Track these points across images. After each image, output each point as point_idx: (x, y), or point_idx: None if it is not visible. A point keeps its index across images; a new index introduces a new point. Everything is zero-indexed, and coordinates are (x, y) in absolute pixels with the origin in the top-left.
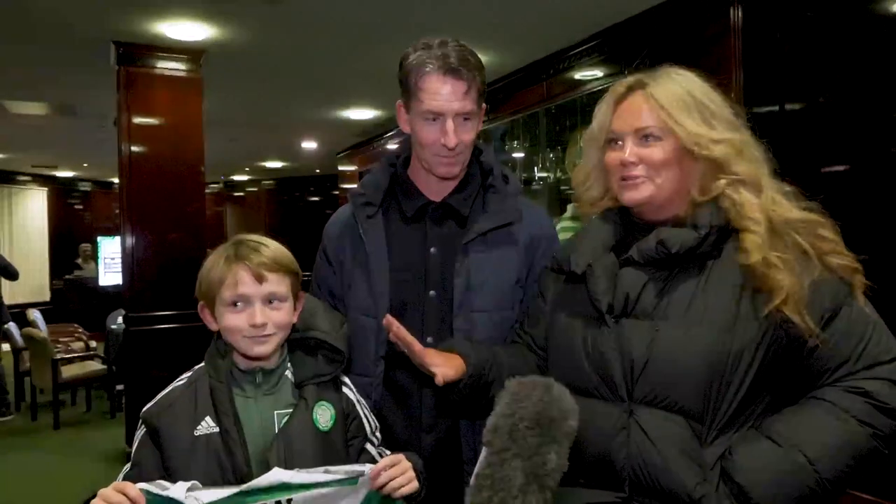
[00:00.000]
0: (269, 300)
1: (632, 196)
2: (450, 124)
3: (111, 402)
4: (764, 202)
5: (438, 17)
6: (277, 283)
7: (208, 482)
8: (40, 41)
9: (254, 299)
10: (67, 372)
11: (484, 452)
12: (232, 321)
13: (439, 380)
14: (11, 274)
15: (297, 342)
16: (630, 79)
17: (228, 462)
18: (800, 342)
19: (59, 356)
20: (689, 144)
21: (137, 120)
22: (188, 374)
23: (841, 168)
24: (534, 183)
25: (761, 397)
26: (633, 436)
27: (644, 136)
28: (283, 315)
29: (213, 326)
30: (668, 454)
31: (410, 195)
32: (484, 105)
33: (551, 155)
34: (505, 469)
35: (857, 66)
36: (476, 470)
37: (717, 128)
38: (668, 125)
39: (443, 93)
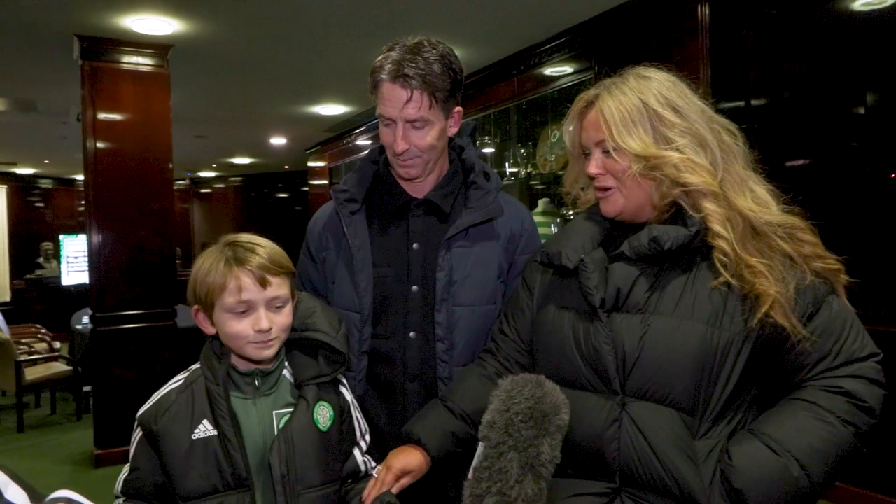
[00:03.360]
0: (273, 304)
1: (606, 209)
2: (399, 130)
3: (77, 404)
4: (739, 207)
5: (408, 12)
6: (279, 286)
7: (206, 485)
8: (0, 35)
9: (258, 305)
10: (31, 374)
11: (481, 447)
12: (235, 328)
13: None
14: None
15: (295, 342)
16: (589, 92)
17: (227, 465)
18: (782, 336)
19: (22, 357)
20: (630, 163)
21: (102, 115)
22: (184, 374)
23: (804, 162)
24: (505, 178)
25: (749, 389)
26: (625, 428)
27: (605, 150)
28: (286, 318)
29: (210, 331)
30: (660, 447)
31: (393, 192)
32: (458, 108)
33: (522, 150)
34: (502, 461)
35: (819, 63)
36: (474, 464)
37: (672, 137)
38: (612, 142)
39: (390, 99)
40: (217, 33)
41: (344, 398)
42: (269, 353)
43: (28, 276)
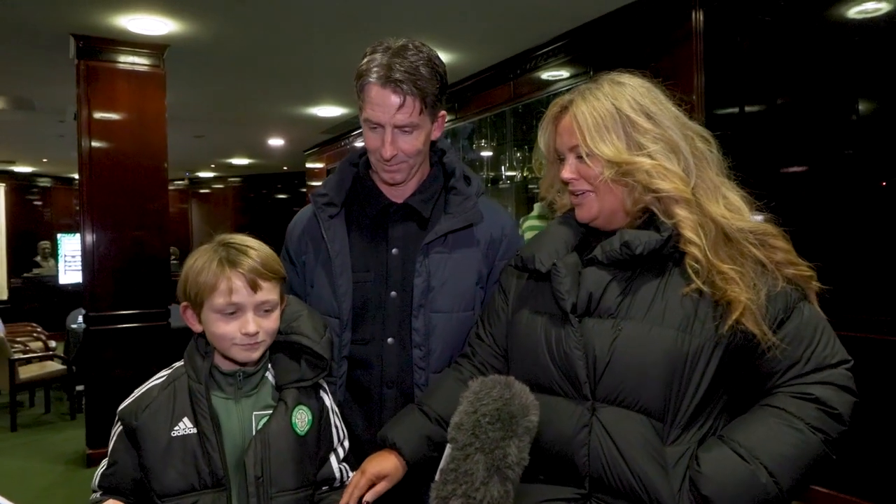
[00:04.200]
0: (261, 308)
1: (581, 215)
2: (387, 136)
3: (71, 403)
4: (712, 213)
5: (406, 14)
6: (270, 291)
7: (183, 482)
8: None
9: (247, 308)
10: (25, 372)
11: (448, 448)
12: (222, 329)
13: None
14: None
15: (280, 344)
16: (564, 97)
17: (205, 464)
18: (753, 343)
19: (16, 356)
20: (603, 168)
21: (98, 115)
22: (167, 371)
23: (799, 169)
24: (501, 182)
25: (719, 396)
26: (595, 433)
27: (578, 155)
28: (273, 322)
29: (197, 328)
30: (630, 452)
31: (372, 196)
32: (442, 112)
33: (518, 154)
34: (468, 463)
35: (813, 70)
36: (441, 465)
37: (644, 143)
38: (585, 148)
39: (380, 104)
40: (213, 34)
41: (324, 403)
42: (255, 355)
43: (25, 275)
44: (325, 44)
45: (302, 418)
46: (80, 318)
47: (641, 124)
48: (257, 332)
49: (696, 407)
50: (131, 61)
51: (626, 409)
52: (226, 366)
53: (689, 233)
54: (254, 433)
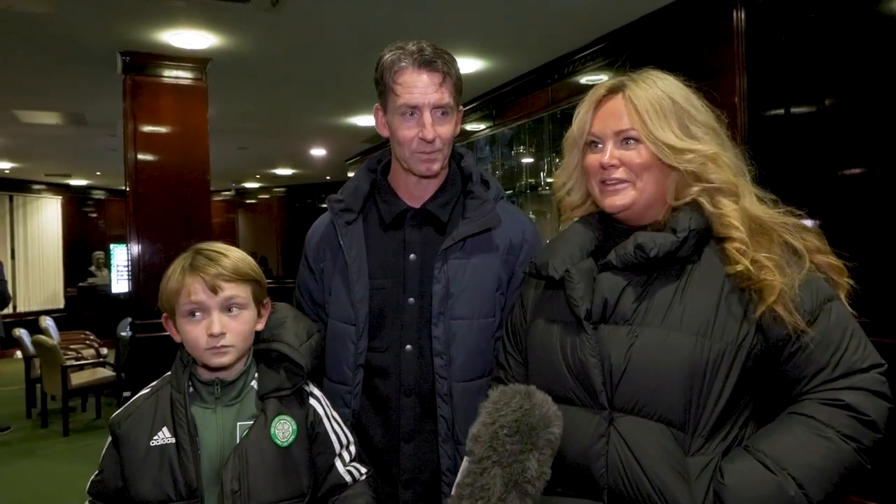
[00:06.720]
0: (227, 307)
1: (613, 202)
2: (427, 117)
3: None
4: (745, 206)
5: (443, 22)
6: (235, 290)
7: (159, 492)
8: (49, 52)
9: (210, 308)
10: (77, 379)
11: (465, 461)
12: (191, 333)
13: None
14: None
15: (263, 353)
16: (611, 81)
17: (181, 474)
18: (777, 347)
19: (68, 363)
20: (661, 155)
21: (143, 128)
22: (155, 382)
23: (857, 171)
24: (540, 188)
25: (745, 404)
26: (613, 444)
27: (625, 139)
28: (241, 324)
29: (178, 338)
30: (649, 463)
31: (389, 201)
32: (461, 108)
33: (558, 160)
34: (485, 477)
35: (864, 68)
36: (457, 479)
37: (696, 133)
38: (644, 132)
39: (418, 85)
40: (252, 47)
41: (314, 411)
42: (225, 360)
43: (81, 284)
44: (362, 54)
45: (284, 429)
46: (129, 327)
47: (694, 115)
48: (223, 333)
49: (720, 415)
50: (175, 75)
51: (644, 419)
52: (204, 375)
53: (735, 221)
54: (237, 443)
